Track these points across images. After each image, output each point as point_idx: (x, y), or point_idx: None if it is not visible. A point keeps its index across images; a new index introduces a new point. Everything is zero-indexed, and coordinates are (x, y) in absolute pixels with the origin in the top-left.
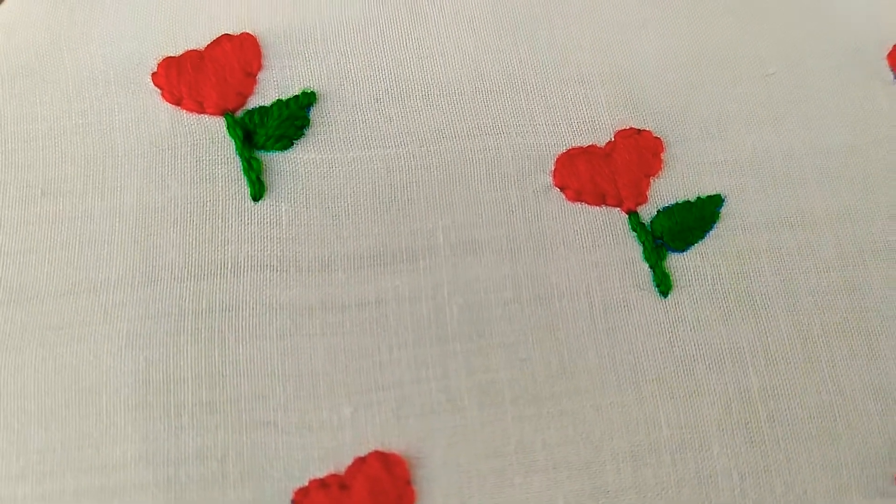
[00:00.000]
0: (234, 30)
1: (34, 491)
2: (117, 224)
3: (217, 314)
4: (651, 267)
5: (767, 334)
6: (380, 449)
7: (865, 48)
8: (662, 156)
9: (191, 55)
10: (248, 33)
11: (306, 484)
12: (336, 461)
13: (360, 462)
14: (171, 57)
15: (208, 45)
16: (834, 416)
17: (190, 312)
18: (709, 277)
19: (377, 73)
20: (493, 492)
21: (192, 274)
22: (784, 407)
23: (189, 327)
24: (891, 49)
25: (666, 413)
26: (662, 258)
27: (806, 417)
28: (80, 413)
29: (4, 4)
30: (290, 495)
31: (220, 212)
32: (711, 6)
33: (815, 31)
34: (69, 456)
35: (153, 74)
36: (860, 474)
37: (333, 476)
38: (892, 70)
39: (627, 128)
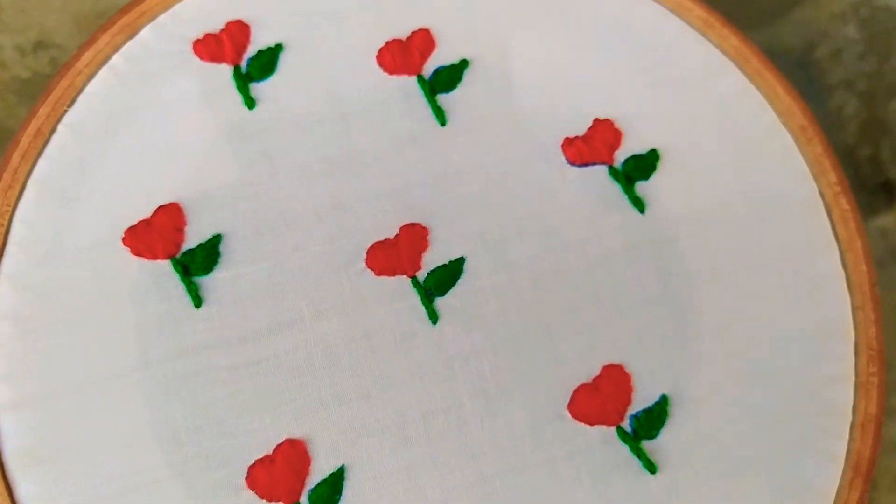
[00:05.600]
0: (164, 201)
1: None
2: (124, 336)
3: (189, 378)
4: (425, 308)
5: (493, 337)
6: (288, 437)
7: (545, 143)
8: (428, 238)
9: (141, 223)
10: (174, 202)
11: (253, 463)
12: (266, 448)
13: (279, 446)
14: (131, 227)
15: (151, 215)
16: (531, 376)
17: (174, 380)
18: (458, 310)
19: (255, 216)
20: (373, 460)
21: (172, 357)
22: (504, 377)
23: (174, 389)
24: (563, 141)
25: (437, 388)
26: (432, 302)
27: (515, 380)
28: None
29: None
30: (245, 471)
31: (178, 317)
32: (450, 135)
33: (511, 139)
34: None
35: (122, 239)
36: (545, 408)
37: (266, 456)
38: (564, 155)
39: (406, 224)
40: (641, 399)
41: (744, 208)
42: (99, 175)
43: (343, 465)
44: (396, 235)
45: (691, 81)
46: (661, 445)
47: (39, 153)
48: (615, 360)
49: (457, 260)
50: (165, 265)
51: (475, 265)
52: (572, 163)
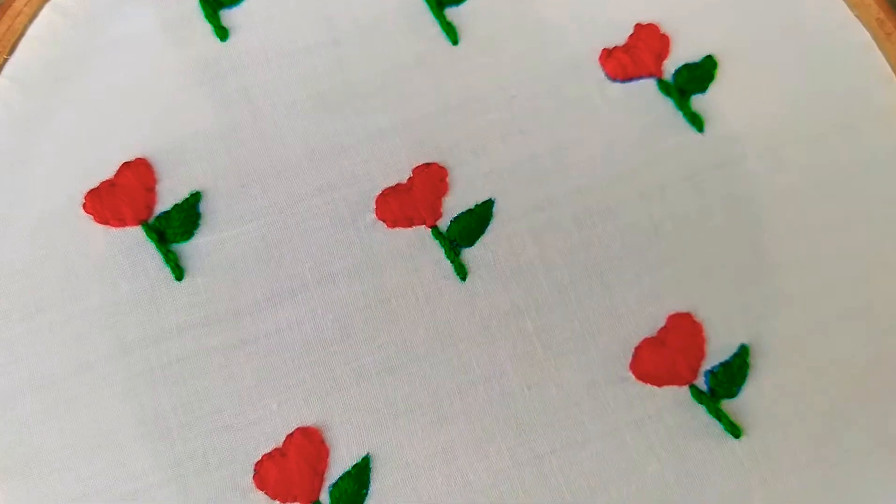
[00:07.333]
0: (130, 157)
1: None
2: (92, 319)
3: (175, 364)
4: (451, 262)
5: (535, 290)
6: (300, 426)
7: (579, 57)
8: (447, 179)
9: (104, 185)
10: (140, 157)
11: (260, 458)
12: (275, 440)
13: (290, 437)
14: (92, 190)
15: (115, 174)
16: (584, 334)
17: (158, 367)
18: (490, 261)
19: (238, 167)
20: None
21: (153, 341)
22: (551, 336)
23: (159, 377)
24: (601, 53)
25: (473, 355)
26: (458, 254)
27: (566, 339)
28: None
29: None
30: (252, 469)
31: (156, 293)
32: (465, 55)
33: (539, 54)
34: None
35: (83, 205)
36: (604, 370)
37: (276, 449)
38: (603, 70)
39: (420, 164)
40: (717, 351)
41: (819, 118)
42: (50, 132)
43: (368, 453)
44: (410, 179)
45: None
46: (745, 404)
47: None
48: (682, 308)
49: (484, 203)
50: (137, 232)
51: (506, 207)
52: (613, 78)
